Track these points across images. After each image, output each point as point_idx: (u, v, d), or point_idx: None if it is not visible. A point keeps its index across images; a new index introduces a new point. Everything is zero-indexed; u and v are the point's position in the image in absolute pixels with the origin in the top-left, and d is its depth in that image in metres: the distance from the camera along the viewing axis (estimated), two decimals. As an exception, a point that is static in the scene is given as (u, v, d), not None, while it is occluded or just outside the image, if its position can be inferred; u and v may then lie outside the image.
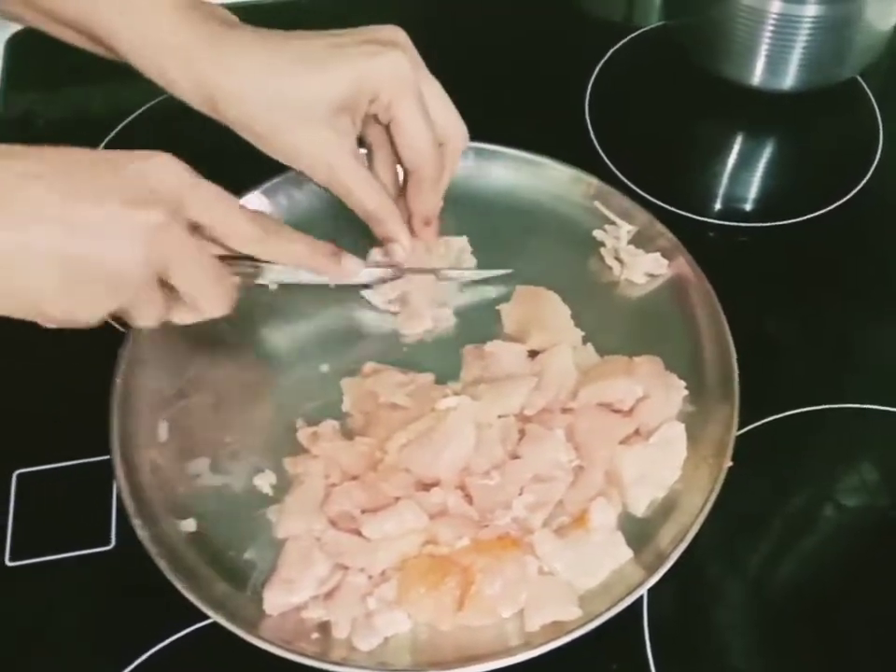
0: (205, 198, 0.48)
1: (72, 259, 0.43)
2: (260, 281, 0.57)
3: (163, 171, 0.46)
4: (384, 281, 0.61)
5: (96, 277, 0.44)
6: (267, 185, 0.66)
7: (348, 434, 0.56)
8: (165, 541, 0.52)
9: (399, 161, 0.59)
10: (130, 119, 0.76)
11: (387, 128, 0.57)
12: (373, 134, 0.58)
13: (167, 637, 0.52)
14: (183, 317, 0.51)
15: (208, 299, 0.50)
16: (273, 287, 0.61)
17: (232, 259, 0.52)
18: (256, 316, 0.62)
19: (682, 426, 0.55)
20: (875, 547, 0.55)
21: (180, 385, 0.60)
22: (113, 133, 0.76)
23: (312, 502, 0.53)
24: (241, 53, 0.53)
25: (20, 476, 0.58)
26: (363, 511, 0.52)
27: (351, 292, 0.62)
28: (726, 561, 0.54)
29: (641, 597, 0.51)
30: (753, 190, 0.74)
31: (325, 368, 0.60)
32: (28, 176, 0.43)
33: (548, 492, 0.53)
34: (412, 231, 0.60)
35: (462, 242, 0.64)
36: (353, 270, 0.58)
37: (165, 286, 0.48)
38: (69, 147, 0.45)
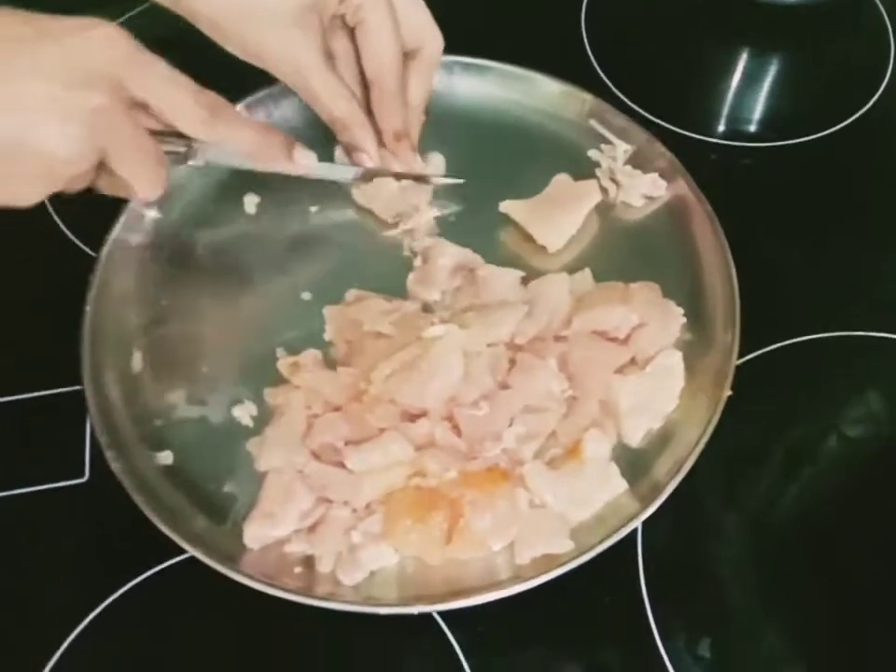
0: (149, 75, 0.46)
1: (7, 142, 0.41)
2: (193, 162, 0.53)
3: (106, 45, 0.44)
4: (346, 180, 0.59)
5: (35, 160, 0.42)
6: (249, 99, 0.62)
7: (331, 364, 0.54)
8: (141, 474, 0.50)
9: (362, 71, 0.56)
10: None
11: (353, 33, 0.54)
12: (339, 42, 0.56)
13: (144, 572, 0.51)
14: (109, 189, 0.49)
15: (144, 182, 0.48)
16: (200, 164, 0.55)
17: (165, 134, 0.49)
18: (235, 241, 0.60)
19: (680, 354, 0.53)
20: (879, 478, 0.54)
21: (154, 312, 0.57)
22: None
23: (293, 434, 0.51)
24: None
25: (-10, 406, 0.56)
26: (347, 443, 0.50)
27: (335, 212, 0.60)
28: (723, 494, 0.52)
29: (635, 530, 0.50)
30: (758, 110, 0.70)
31: (307, 296, 0.57)
32: None
33: (539, 423, 0.51)
34: (381, 143, 0.57)
35: (438, 158, 0.61)
36: (305, 163, 0.55)
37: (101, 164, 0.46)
38: (12, 11, 0.43)
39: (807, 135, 0.67)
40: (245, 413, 0.53)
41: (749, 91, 0.71)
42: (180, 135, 0.49)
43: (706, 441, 0.50)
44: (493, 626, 0.48)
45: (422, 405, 0.50)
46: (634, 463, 0.51)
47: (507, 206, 0.59)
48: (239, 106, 0.62)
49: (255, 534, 0.49)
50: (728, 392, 0.51)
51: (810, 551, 0.51)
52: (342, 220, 0.60)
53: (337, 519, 0.49)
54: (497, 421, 0.50)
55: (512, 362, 0.52)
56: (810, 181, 0.65)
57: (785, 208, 0.64)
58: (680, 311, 0.54)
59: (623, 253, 0.58)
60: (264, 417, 0.53)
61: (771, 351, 0.56)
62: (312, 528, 0.49)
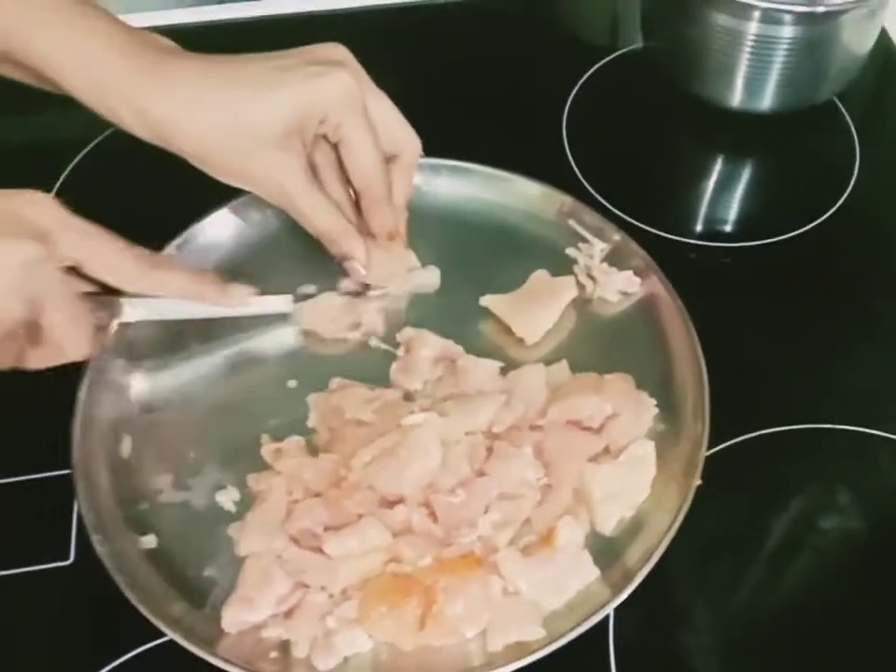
0: (80, 234, 0.47)
1: None
2: (124, 319, 0.56)
3: (35, 208, 0.46)
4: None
5: None
6: (235, 202, 0.65)
7: (314, 451, 0.56)
8: (124, 557, 0.51)
9: (348, 181, 0.58)
10: (98, 140, 0.76)
11: (335, 147, 0.57)
12: (321, 154, 0.58)
13: (125, 653, 0.51)
14: (39, 362, 0.50)
15: (76, 341, 0.49)
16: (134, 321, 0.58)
17: (95, 295, 0.52)
18: (224, 331, 0.61)
19: (652, 444, 0.54)
20: (848, 571, 0.54)
21: (145, 399, 0.59)
22: (80, 156, 0.75)
23: (273, 520, 0.52)
24: (182, 81, 0.52)
25: (-21, 489, 0.57)
26: (325, 529, 0.51)
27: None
28: (694, 582, 0.53)
29: (607, 617, 0.50)
30: (732, 211, 0.73)
31: (292, 383, 0.59)
32: None
33: (515, 510, 0.52)
34: (374, 245, 0.59)
35: (433, 272, 0.63)
36: (240, 297, 0.57)
37: (28, 327, 0.47)
38: None
39: (780, 235, 0.70)
40: (227, 499, 0.54)
41: (724, 194, 0.74)
42: (111, 293, 0.52)
43: (676, 529, 0.51)
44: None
45: (399, 491, 0.52)
46: (606, 551, 0.52)
47: (487, 300, 0.62)
48: (225, 209, 0.65)
49: (232, 619, 0.49)
50: (698, 481, 0.52)
51: (780, 642, 0.51)
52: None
53: (313, 604, 0.49)
54: (472, 508, 0.51)
55: (489, 450, 0.54)
56: (783, 278, 0.68)
57: (757, 304, 0.66)
58: (653, 402, 0.56)
59: (598, 345, 0.60)
60: (246, 502, 0.54)
61: (742, 441, 0.58)
62: (288, 613, 0.49)
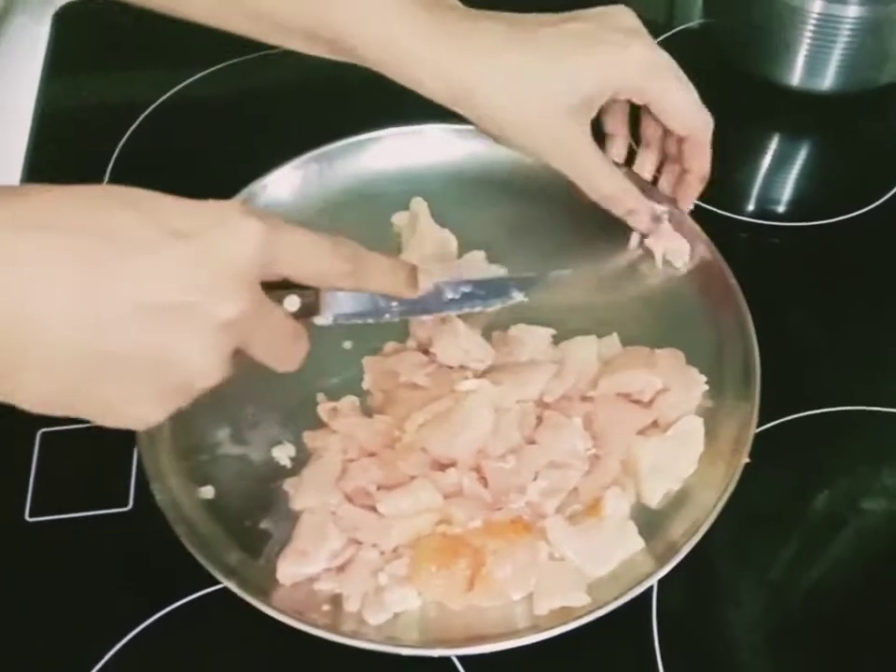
0: (289, 251, 0.40)
1: (142, 360, 0.37)
2: (321, 321, 0.49)
3: (240, 239, 0.37)
4: None
5: (167, 378, 0.38)
6: (297, 160, 0.66)
7: (367, 411, 0.57)
8: (182, 506, 0.53)
9: (666, 131, 0.60)
10: (161, 100, 0.77)
11: (640, 108, 0.60)
12: (612, 119, 0.61)
13: (180, 599, 0.53)
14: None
15: (285, 360, 0.44)
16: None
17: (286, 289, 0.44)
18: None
19: (700, 420, 0.55)
20: (891, 552, 0.55)
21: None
22: (148, 111, 0.77)
23: (328, 476, 0.54)
24: (479, 48, 0.54)
25: (43, 435, 0.59)
26: (379, 488, 0.53)
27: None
28: (738, 558, 0.54)
29: (651, 588, 0.51)
30: (786, 191, 0.73)
31: (348, 345, 0.60)
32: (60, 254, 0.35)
33: (562, 479, 0.53)
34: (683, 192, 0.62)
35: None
36: (424, 288, 0.51)
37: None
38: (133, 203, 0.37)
39: (834, 217, 0.70)
40: (283, 454, 0.56)
41: (779, 173, 0.74)
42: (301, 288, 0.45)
43: (722, 506, 0.51)
44: (509, 673, 0.50)
45: (451, 455, 0.53)
46: (651, 523, 0.52)
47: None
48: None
49: (287, 571, 0.51)
50: (746, 459, 0.53)
51: (822, 621, 0.52)
52: None
53: (365, 560, 0.51)
54: (522, 475, 0.53)
55: (540, 419, 0.55)
56: (835, 260, 0.68)
57: (809, 285, 0.66)
58: (703, 378, 0.57)
59: (649, 320, 0.61)
60: (302, 459, 0.55)
61: (790, 421, 0.58)
62: (341, 568, 0.51)
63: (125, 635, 0.52)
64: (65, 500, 0.57)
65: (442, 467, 0.53)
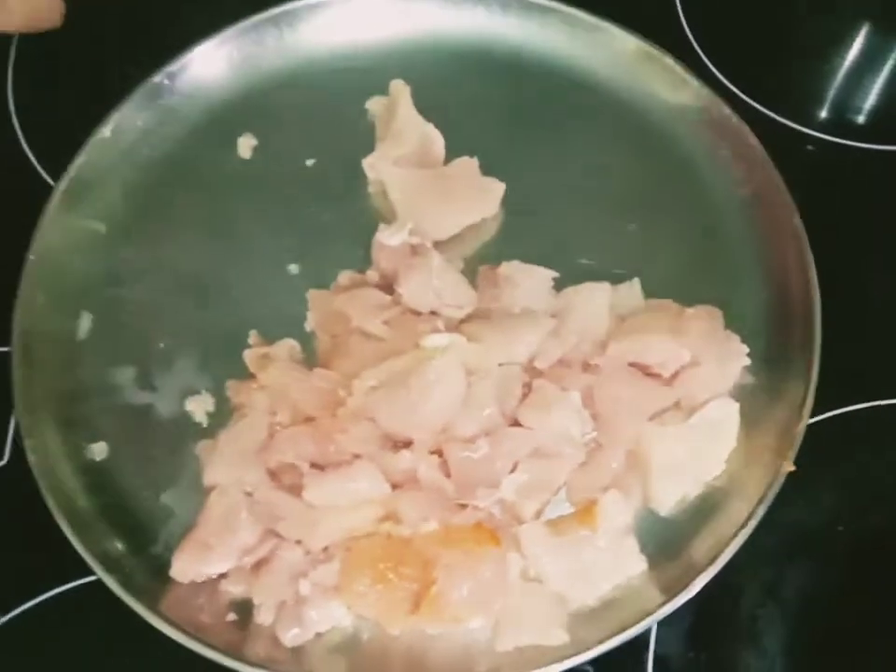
0: None
1: None
2: None
3: None
4: None
5: None
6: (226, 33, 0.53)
7: (309, 361, 0.45)
8: (62, 471, 0.43)
9: None
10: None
11: None
12: None
13: (61, 585, 0.43)
14: None
15: None
16: None
17: None
18: (220, 187, 0.50)
19: (737, 405, 0.43)
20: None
21: (112, 266, 0.48)
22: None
23: (249, 445, 0.43)
24: None
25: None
26: (312, 466, 0.42)
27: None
28: (766, 589, 0.42)
29: (649, 629, 0.40)
30: (870, 101, 0.58)
31: (293, 268, 0.48)
32: None
33: (549, 472, 0.42)
34: None
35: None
36: None
37: None
38: None
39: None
40: (199, 408, 0.45)
41: (864, 77, 0.58)
42: None
43: (756, 523, 0.40)
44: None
45: (408, 432, 0.42)
46: (660, 538, 0.42)
47: None
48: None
49: (184, 566, 0.41)
50: (791, 467, 0.41)
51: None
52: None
53: (285, 561, 0.41)
54: (496, 464, 0.42)
55: (527, 390, 0.43)
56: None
57: (891, 227, 0.52)
58: (745, 349, 0.44)
59: (682, 261, 0.48)
60: (222, 416, 0.45)
61: (850, 412, 0.46)
62: (254, 568, 0.41)
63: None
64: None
65: (395, 446, 0.42)
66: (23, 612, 0.42)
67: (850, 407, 0.46)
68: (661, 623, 0.40)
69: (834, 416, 0.45)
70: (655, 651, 0.41)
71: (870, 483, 0.45)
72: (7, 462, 0.46)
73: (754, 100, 0.55)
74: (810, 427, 0.42)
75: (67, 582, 0.43)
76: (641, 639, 0.40)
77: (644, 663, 0.40)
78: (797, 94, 0.57)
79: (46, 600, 0.42)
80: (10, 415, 0.46)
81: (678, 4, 0.59)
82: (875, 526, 0.44)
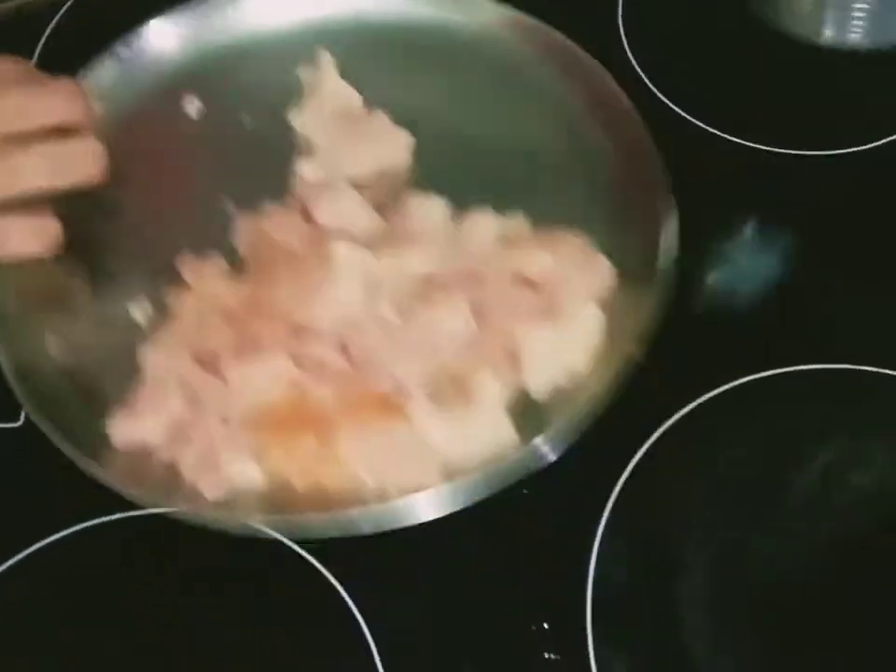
0: None
1: None
2: None
3: None
4: None
5: None
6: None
7: (235, 274, 0.52)
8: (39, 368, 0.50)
9: None
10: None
11: None
12: None
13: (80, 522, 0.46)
14: None
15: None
16: None
17: None
18: (168, 143, 0.58)
19: (598, 311, 0.49)
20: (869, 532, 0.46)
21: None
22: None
23: (181, 338, 0.49)
24: None
25: None
26: (231, 353, 0.48)
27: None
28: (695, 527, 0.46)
29: (589, 556, 0.44)
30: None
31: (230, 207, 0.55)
32: None
33: (435, 359, 0.48)
34: None
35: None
36: None
37: None
38: None
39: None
40: (141, 312, 0.52)
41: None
42: None
43: (607, 403, 0.47)
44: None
45: (314, 322, 0.48)
46: (532, 417, 0.47)
47: None
48: None
49: (120, 430, 0.47)
50: (639, 357, 0.48)
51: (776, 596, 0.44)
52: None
53: (206, 427, 0.47)
54: (390, 351, 0.48)
55: (419, 295, 0.50)
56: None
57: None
58: (608, 265, 0.51)
59: (561, 199, 0.54)
60: (161, 318, 0.51)
61: (754, 380, 0.49)
62: (179, 434, 0.47)
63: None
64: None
65: (303, 336, 0.48)
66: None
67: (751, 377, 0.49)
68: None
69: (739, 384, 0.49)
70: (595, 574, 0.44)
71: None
72: (22, 424, 0.49)
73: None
74: (718, 395, 0.47)
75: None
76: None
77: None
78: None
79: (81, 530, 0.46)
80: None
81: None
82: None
